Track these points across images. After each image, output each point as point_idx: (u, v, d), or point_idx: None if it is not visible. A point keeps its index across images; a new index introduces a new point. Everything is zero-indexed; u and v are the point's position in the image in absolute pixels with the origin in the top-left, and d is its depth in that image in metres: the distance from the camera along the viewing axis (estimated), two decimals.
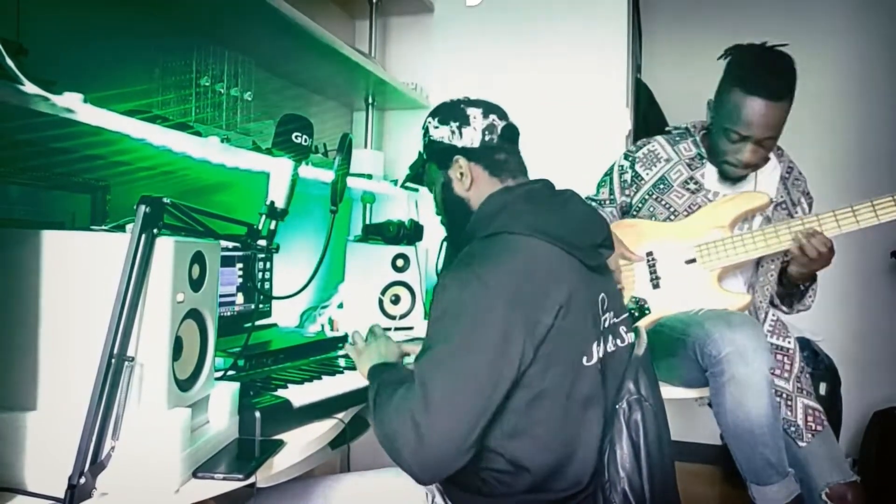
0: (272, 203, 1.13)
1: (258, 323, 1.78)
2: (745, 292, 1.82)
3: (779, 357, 1.72)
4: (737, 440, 1.53)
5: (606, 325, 1.18)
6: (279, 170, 1.15)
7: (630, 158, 1.92)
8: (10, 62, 0.90)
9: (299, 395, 1.22)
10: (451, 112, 1.26)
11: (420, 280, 2.09)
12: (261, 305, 1.80)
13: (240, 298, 1.69)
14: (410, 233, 2.08)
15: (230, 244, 1.22)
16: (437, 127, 1.26)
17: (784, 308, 1.90)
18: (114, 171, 1.40)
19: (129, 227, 0.89)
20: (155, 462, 0.88)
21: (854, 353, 3.01)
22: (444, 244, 1.47)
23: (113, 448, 0.84)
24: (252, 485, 0.95)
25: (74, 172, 1.33)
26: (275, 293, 1.78)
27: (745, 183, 1.83)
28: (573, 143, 2.34)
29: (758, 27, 3.04)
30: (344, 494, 1.22)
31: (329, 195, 1.25)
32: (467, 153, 1.24)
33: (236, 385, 1.09)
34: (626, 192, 1.92)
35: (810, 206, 1.89)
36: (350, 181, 1.92)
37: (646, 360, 1.19)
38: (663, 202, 1.85)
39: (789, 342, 1.77)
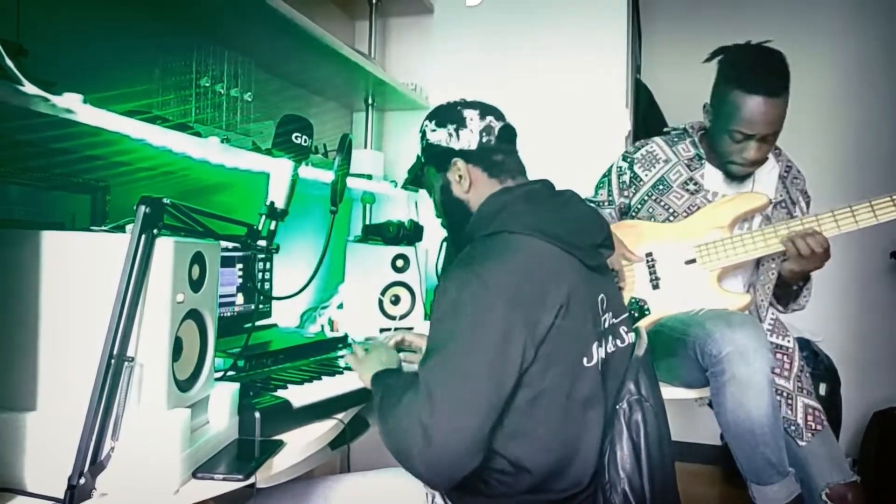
0: (272, 203, 1.13)
1: (258, 323, 1.78)
2: (745, 292, 1.82)
3: (778, 356, 1.72)
4: (737, 440, 1.53)
5: (606, 325, 1.18)
6: (279, 170, 1.15)
7: (628, 159, 1.92)
8: (9, 62, 0.90)
9: (299, 395, 1.22)
10: (448, 115, 1.26)
11: (420, 280, 2.09)
12: (261, 306, 1.80)
13: (240, 299, 1.69)
14: (410, 233, 2.08)
15: (230, 244, 1.22)
16: (434, 130, 1.26)
17: (779, 307, 1.90)
18: (114, 172, 1.40)
19: (129, 227, 0.89)
20: (155, 462, 0.88)
21: (854, 353, 3.01)
22: (444, 244, 1.47)
23: (113, 448, 0.84)
24: (252, 485, 0.95)
25: (74, 173, 1.32)
26: (275, 293, 1.78)
27: (745, 183, 1.83)
28: (573, 144, 2.34)
29: (757, 27, 3.03)
30: (344, 495, 1.22)
31: (329, 195, 1.25)
32: (465, 155, 1.24)
33: (236, 385, 1.09)
34: (625, 193, 1.92)
35: (808, 204, 1.89)
36: (350, 182, 1.92)
37: (646, 360, 1.19)
38: (662, 203, 1.85)
39: (789, 341, 1.77)
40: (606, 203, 1.95)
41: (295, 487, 1.22)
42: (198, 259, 0.97)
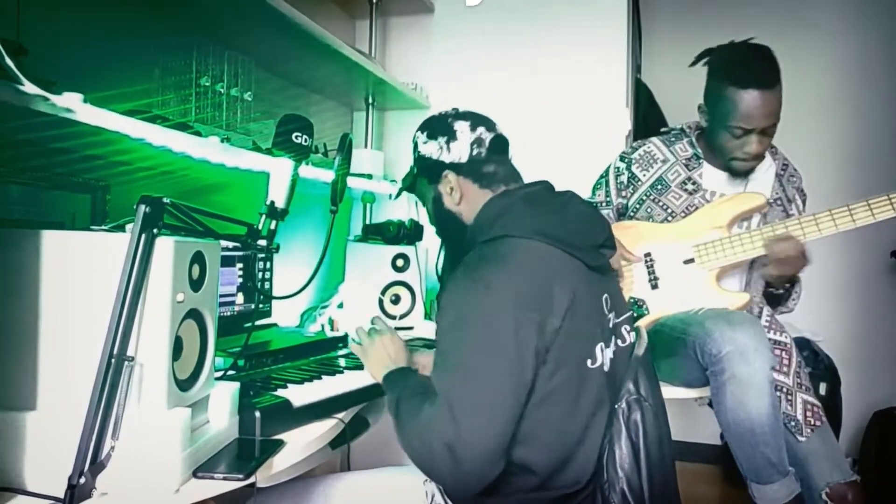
0: (272, 203, 1.13)
1: (258, 323, 1.78)
2: (743, 291, 1.83)
3: (777, 352, 1.72)
4: (737, 439, 1.53)
5: (610, 325, 1.18)
6: (279, 170, 1.15)
7: (626, 160, 1.92)
8: (10, 62, 0.90)
9: (299, 395, 1.22)
10: (439, 127, 1.26)
11: (420, 280, 2.09)
12: (261, 305, 1.80)
13: (240, 298, 1.69)
14: (410, 233, 2.08)
15: (230, 244, 1.22)
16: (425, 142, 1.27)
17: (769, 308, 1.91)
18: (113, 171, 1.40)
19: (129, 227, 0.89)
20: (155, 462, 0.88)
21: (854, 353, 3.01)
22: (443, 248, 1.47)
23: (113, 448, 0.84)
24: (252, 485, 0.95)
25: (74, 172, 1.32)
26: (275, 293, 1.78)
27: (742, 182, 1.83)
28: (573, 144, 2.34)
29: (757, 27, 3.03)
30: (344, 494, 1.22)
31: (329, 195, 1.25)
32: (456, 168, 1.24)
33: (236, 385, 1.09)
34: (623, 193, 1.92)
35: (804, 202, 1.90)
36: (350, 181, 1.92)
37: (646, 360, 1.19)
38: (661, 203, 1.86)
39: (786, 336, 1.78)
40: (604, 204, 1.95)
41: (295, 487, 1.22)
42: (198, 258, 0.97)
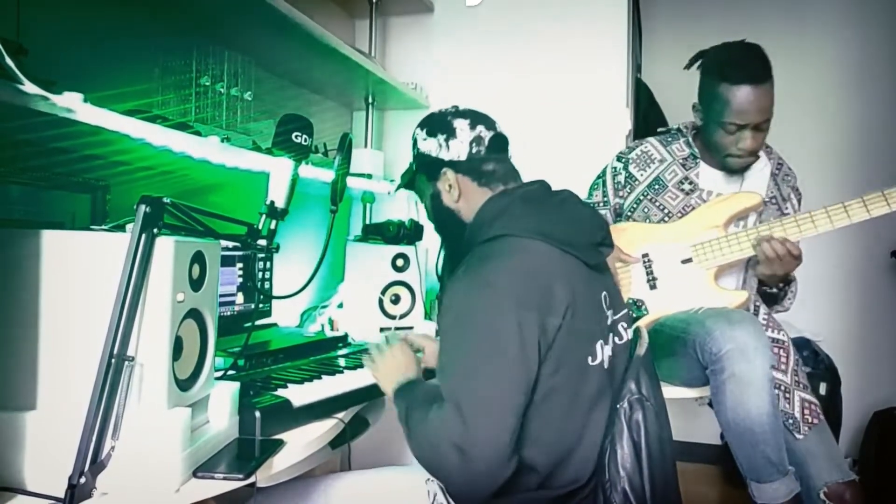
0: (272, 203, 1.13)
1: (258, 323, 1.78)
2: (741, 290, 1.83)
3: (775, 350, 1.72)
4: (737, 438, 1.53)
5: (608, 322, 1.18)
6: (279, 169, 1.15)
7: (623, 160, 1.93)
8: (10, 62, 0.90)
9: (299, 394, 1.22)
10: (439, 124, 1.26)
11: (420, 280, 2.09)
12: (261, 305, 1.80)
13: (240, 298, 1.69)
14: (410, 232, 2.08)
15: (230, 244, 1.22)
16: (424, 139, 1.27)
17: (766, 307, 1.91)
18: (113, 171, 1.40)
19: (129, 226, 0.89)
20: (155, 462, 0.88)
21: (854, 353, 3.01)
22: (442, 247, 1.47)
23: (113, 448, 0.84)
24: (252, 484, 0.95)
25: (74, 172, 1.32)
26: (275, 293, 1.78)
27: (738, 181, 1.84)
28: (573, 143, 2.34)
29: (757, 26, 3.04)
30: (344, 493, 1.22)
31: (329, 195, 1.25)
32: (455, 166, 1.24)
33: (236, 385, 1.09)
34: (620, 193, 1.93)
35: (799, 201, 1.92)
36: (350, 181, 1.92)
37: (647, 359, 1.19)
38: (657, 203, 1.86)
39: (783, 334, 1.79)
40: (601, 204, 1.96)
41: (295, 486, 1.22)
42: (198, 258, 0.97)
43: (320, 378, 1.36)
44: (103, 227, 0.94)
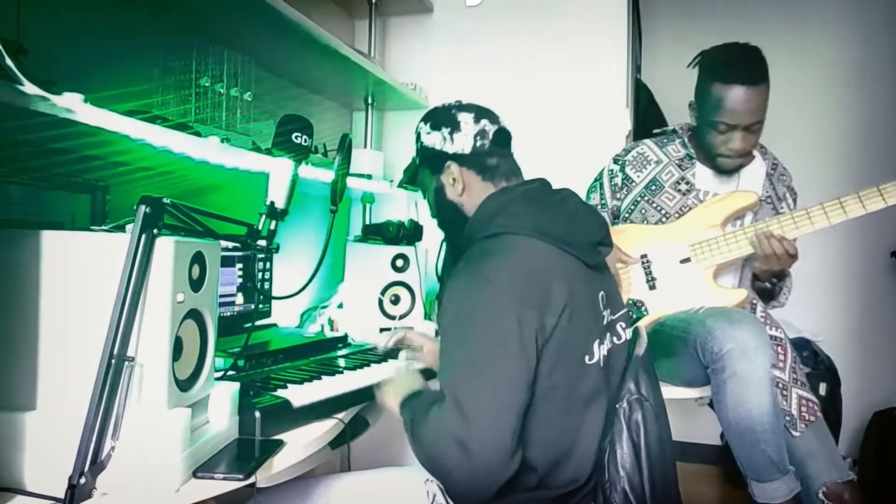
0: (272, 203, 1.13)
1: (258, 323, 1.78)
2: (740, 288, 1.84)
3: (773, 348, 1.72)
4: (738, 437, 1.53)
5: (605, 322, 1.18)
6: (279, 170, 1.15)
7: (619, 162, 1.94)
8: (10, 62, 0.90)
9: (299, 395, 1.22)
10: (443, 118, 1.26)
11: (420, 280, 2.09)
12: (261, 305, 1.80)
13: (240, 298, 1.69)
14: (410, 233, 2.08)
15: (230, 244, 1.22)
16: (428, 133, 1.27)
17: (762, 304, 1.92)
18: (113, 172, 1.40)
19: (129, 227, 0.89)
20: (155, 462, 0.88)
21: (854, 353, 3.01)
22: (444, 244, 1.47)
23: (113, 448, 0.84)
24: (252, 485, 0.95)
25: (74, 173, 1.32)
26: (275, 293, 1.78)
27: (733, 181, 1.85)
28: (573, 143, 2.34)
29: (757, 26, 3.05)
30: (344, 493, 1.22)
31: (329, 195, 1.25)
32: (459, 159, 1.24)
33: (236, 385, 1.09)
34: (617, 195, 1.94)
35: (795, 200, 1.93)
36: (350, 181, 1.92)
37: (646, 359, 1.19)
38: (654, 204, 1.87)
39: (780, 331, 1.80)
40: (599, 206, 1.97)
41: (295, 487, 1.22)
42: (198, 259, 0.97)
43: (320, 378, 1.36)
44: (103, 227, 0.94)
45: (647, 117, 2.92)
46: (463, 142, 1.23)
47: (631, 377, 1.15)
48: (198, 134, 1.30)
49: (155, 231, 0.87)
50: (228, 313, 1.65)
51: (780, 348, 1.74)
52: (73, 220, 1.34)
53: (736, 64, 1.70)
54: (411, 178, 1.37)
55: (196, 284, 0.96)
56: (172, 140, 1.21)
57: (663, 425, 1.16)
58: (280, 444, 1.08)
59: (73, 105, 0.98)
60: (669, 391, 1.73)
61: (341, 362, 1.53)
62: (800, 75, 3.02)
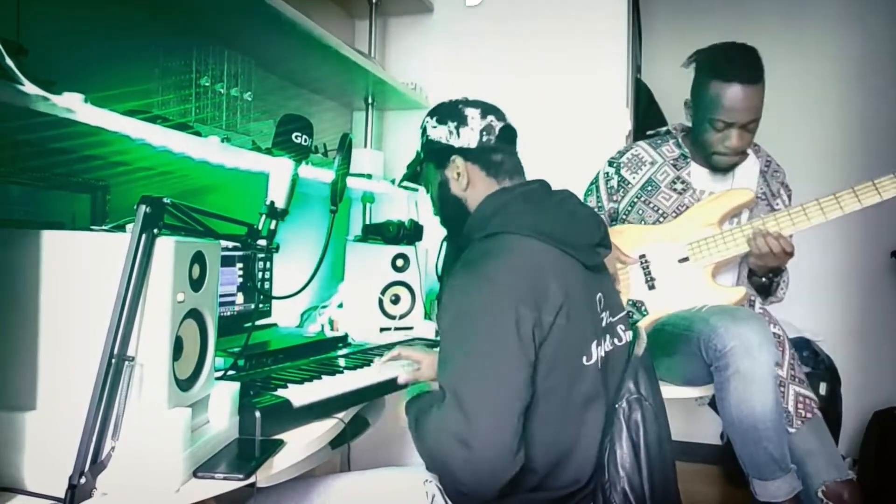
0: (272, 203, 1.13)
1: (258, 323, 1.78)
2: (739, 286, 1.84)
3: None
4: (740, 435, 1.53)
5: (604, 323, 1.18)
6: (279, 170, 1.15)
7: (615, 164, 1.95)
8: (10, 62, 0.90)
9: (299, 394, 1.22)
10: (450, 112, 1.26)
11: (420, 280, 2.09)
12: (261, 305, 1.80)
13: (240, 298, 1.69)
14: (410, 233, 2.08)
15: (230, 244, 1.22)
16: (434, 127, 1.27)
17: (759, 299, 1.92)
18: (113, 172, 1.40)
19: (129, 227, 0.89)
20: (155, 462, 0.88)
21: (854, 353, 3.01)
22: (444, 244, 1.47)
23: (113, 448, 0.84)
24: (252, 485, 0.95)
25: (74, 172, 1.32)
26: (275, 293, 1.78)
27: (728, 179, 1.85)
28: (573, 143, 2.34)
29: (757, 26, 3.05)
30: (344, 493, 1.22)
31: (329, 195, 1.25)
32: (464, 153, 1.24)
33: (236, 385, 1.09)
34: (614, 197, 1.94)
35: (789, 197, 1.93)
36: (350, 181, 1.92)
37: (646, 359, 1.19)
38: (651, 204, 1.88)
39: (778, 329, 1.80)
40: (596, 209, 1.97)
41: (295, 486, 1.22)
42: (198, 258, 0.97)
43: (320, 378, 1.36)
44: (103, 227, 0.94)
45: (647, 117, 2.91)
46: (469, 136, 1.24)
47: (630, 377, 1.15)
48: (198, 134, 1.30)
49: (155, 231, 0.87)
50: (229, 313, 1.65)
51: (778, 345, 1.74)
52: (73, 220, 1.34)
53: (734, 62, 1.72)
54: (414, 173, 1.37)
55: (196, 284, 0.96)
56: (172, 140, 1.21)
57: (663, 425, 1.16)
58: (280, 443, 1.08)
59: (73, 105, 0.98)
60: (670, 391, 1.73)
61: (341, 362, 1.53)
62: (800, 72, 3.02)
